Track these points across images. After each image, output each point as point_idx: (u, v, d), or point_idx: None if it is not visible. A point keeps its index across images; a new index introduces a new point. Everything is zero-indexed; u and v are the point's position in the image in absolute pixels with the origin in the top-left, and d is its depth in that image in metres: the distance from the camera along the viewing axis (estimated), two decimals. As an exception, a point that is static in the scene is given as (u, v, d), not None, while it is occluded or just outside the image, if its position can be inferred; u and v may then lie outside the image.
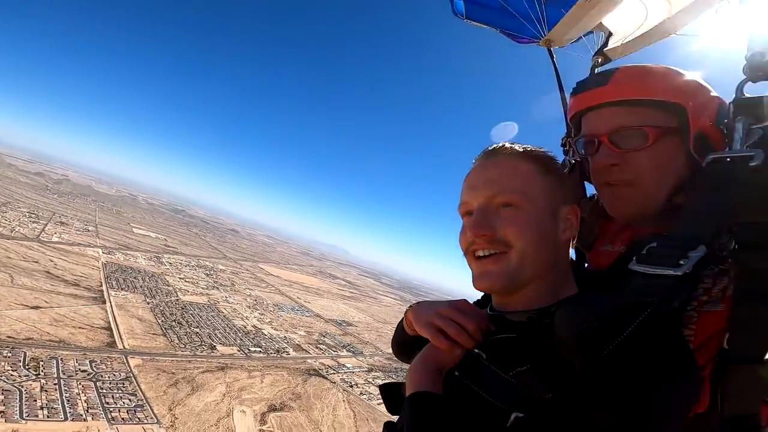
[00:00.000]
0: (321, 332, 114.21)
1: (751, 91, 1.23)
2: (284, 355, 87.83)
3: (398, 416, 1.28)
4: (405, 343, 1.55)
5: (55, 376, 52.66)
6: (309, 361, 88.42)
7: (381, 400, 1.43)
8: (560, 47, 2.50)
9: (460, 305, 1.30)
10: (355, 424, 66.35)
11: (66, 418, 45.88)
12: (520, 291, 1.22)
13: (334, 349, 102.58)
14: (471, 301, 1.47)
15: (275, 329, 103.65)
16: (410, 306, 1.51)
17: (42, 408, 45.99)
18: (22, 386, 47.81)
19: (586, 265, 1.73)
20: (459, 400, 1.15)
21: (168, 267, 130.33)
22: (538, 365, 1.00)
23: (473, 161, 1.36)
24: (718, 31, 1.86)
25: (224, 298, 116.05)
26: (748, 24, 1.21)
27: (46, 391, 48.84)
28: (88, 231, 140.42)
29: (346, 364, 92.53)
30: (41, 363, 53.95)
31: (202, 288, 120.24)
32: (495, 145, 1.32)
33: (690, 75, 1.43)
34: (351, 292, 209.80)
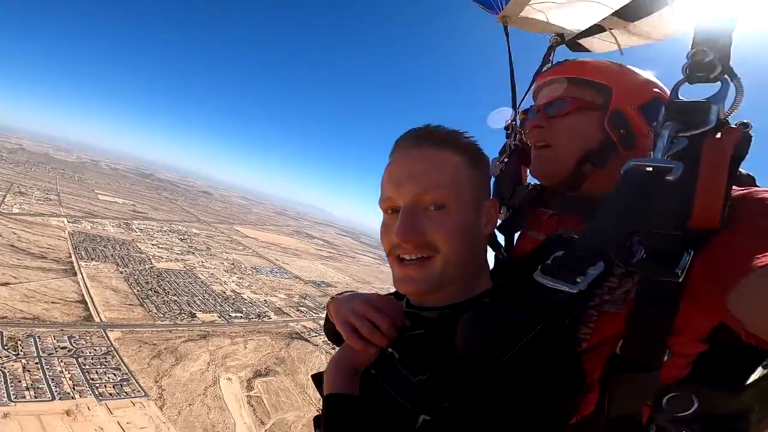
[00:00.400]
0: (301, 294, 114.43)
1: (687, 93, 1.15)
2: (265, 319, 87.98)
3: None
4: (334, 331, 1.51)
5: (35, 354, 51.50)
6: (291, 324, 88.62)
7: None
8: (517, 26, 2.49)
9: (375, 302, 1.30)
10: (340, 386, 67.46)
11: (53, 398, 45.28)
12: (440, 291, 1.22)
13: (315, 311, 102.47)
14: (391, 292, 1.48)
15: (255, 293, 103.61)
16: (332, 297, 1.52)
17: (28, 389, 45.20)
18: (5, 367, 46.73)
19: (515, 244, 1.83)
20: (375, 397, 1.17)
21: (139, 233, 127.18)
22: (437, 374, 1.06)
23: (394, 147, 1.29)
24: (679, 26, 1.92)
25: (200, 263, 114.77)
26: (696, 19, 1.11)
27: (29, 371, 47.87)
28: (50, 200, 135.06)
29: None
30: (19, 342, 52.61)
31: (177, 254, 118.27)
32: (419, 131, 1.25)
33: (629, 67, 1.52)
34: (329, 252, 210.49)
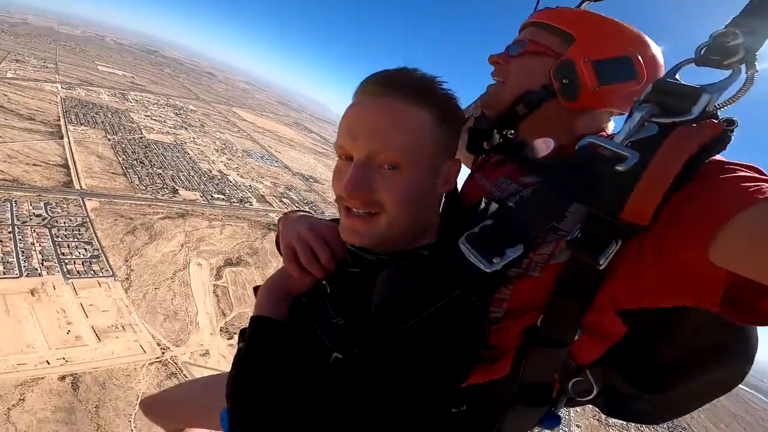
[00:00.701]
0: (287, 185, 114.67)
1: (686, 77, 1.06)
2: (247, 205, 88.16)
3: None
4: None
5: (9, 222, 51.49)
6: (271, 215, 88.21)
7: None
8: None
9: (322, 231, 1.28)
10: (309, 284, 69.27)
11: (21, 274, 45.14)
12: (384, 245, 1.21)
13: (297, 204, 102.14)
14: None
15: (241, 176, 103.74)
16: (284, 213, 1.51)
17: None
18: (-22, 236, 46.12)
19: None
20: (302, 325, 1.18)
21: (133, 104, 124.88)
22: (352, 320, 1.08)
23: (359, 89, 1.19)
24: None
25: (192, 139, 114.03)
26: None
27: (1, 241, 47.78)
28: (47, 68, 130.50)
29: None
30: (-5, 207, 51.95)
31: (170, 127, 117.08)
32: (389, 77, 1.14)
33: (609, 21, 1.41)
34: (323, 148, 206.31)
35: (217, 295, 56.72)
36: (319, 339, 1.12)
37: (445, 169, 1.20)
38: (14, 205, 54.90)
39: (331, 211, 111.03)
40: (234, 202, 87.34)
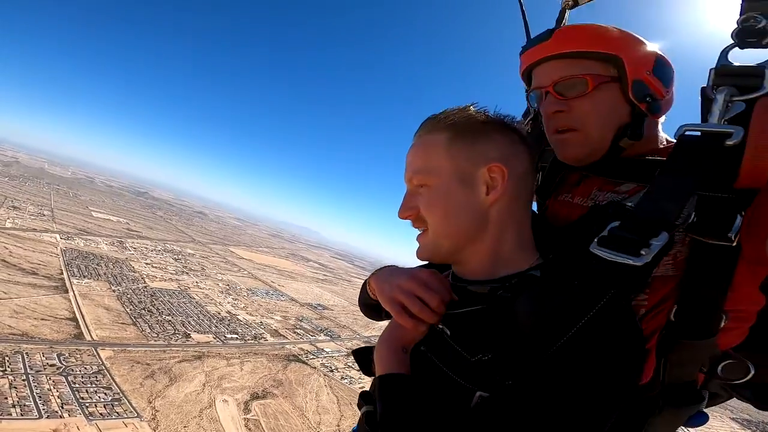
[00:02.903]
0: (297, 317, 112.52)
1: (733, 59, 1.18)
2: (262, 341, 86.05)
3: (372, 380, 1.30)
4: (372, 305, 1.59)
5: (23, 371, 49.35)
6: (287, 346, 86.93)
7: (364, 386, 1.46)
8: None
9: (422, 277, 1.27)
10: (339, 409, 65.29)
11: (41, 416, 43.17)
12: (459, 260, 1.27)
13: (311, 333, 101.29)
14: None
15: (250, 314, 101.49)
16: (373, 273, 1.53)
17: (14, 406, 43.08)
18: (-10, 384, 44.45)
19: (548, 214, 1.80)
20: (426, 375, 1.18)
21: (132, 252, 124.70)
22: (500, 353, 1.02)
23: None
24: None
25: (195, 284, 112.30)
26: None
27: (15, 387, 45.72)
28: (44, 216, 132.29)
29: (324, 349, 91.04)
30: (6, 358, 50.38)
31: (171, 273, 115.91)
32: (426, 119, 1.31)
33: (624, 30, 1.43)
34: (324, 275, 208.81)
35: (249, 429, 55.30)
36: (452, 384, 1.08)
37: (481, 176, 1.20)
38: (26, 356, 52.97)
39: (347, 334, 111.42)
40: (248, 339, 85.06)
